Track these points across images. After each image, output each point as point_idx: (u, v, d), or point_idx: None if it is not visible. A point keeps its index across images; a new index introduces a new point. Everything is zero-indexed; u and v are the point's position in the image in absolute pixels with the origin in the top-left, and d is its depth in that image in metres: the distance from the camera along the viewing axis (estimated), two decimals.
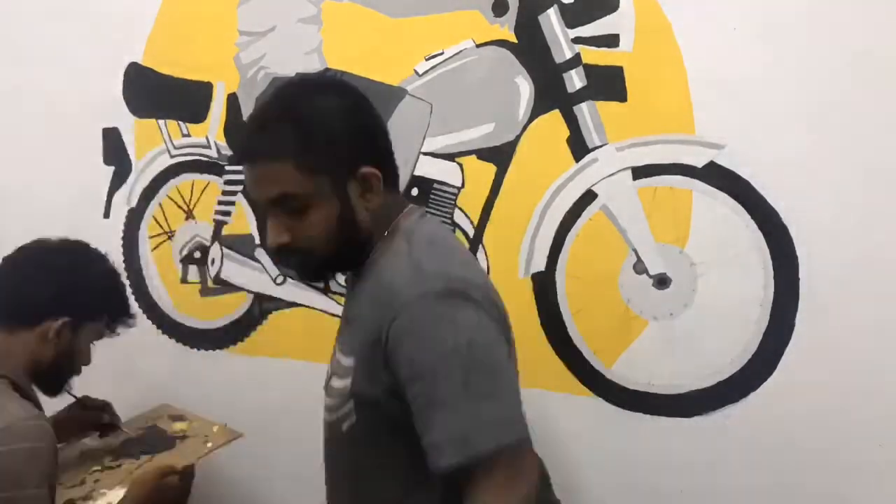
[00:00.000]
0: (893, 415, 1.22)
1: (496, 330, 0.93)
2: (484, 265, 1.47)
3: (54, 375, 1.34)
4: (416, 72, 1.48)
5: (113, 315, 1.38)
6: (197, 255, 1.72)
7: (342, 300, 1.59)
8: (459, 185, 1.47)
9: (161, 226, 1.75)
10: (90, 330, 1.35)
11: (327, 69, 1.55)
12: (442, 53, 1.46)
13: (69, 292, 1.31)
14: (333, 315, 1.60)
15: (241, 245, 1.67)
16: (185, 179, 1.72)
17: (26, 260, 1.32)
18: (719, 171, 1.29)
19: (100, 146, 1.78)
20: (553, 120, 1.39)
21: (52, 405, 1.40)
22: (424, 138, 1.48)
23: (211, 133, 1.66)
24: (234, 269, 1.68)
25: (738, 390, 1.31)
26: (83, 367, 1.38)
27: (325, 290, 1.60)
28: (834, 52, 1.22)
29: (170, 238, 1.75)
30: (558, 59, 1.37)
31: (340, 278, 1.58)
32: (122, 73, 1.73)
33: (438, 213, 1.49)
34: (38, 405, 1.29)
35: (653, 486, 1.37)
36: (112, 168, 1.78)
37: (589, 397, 1.41)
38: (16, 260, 1.32)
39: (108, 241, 1.78)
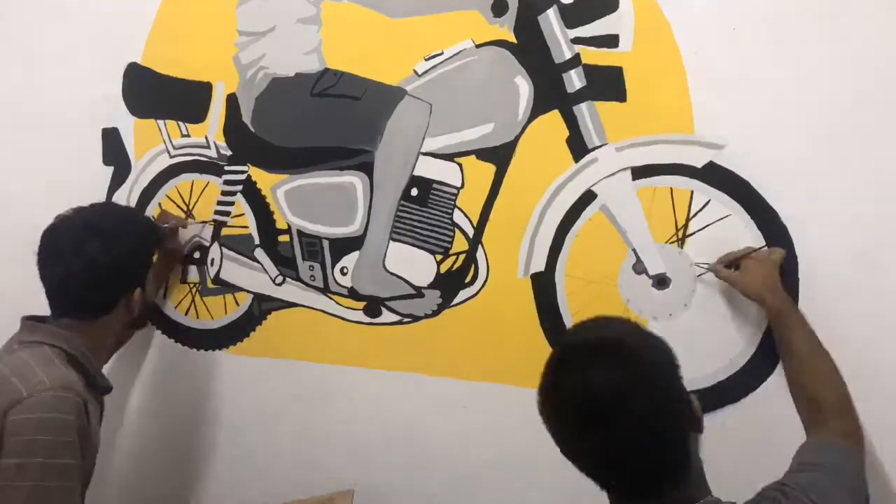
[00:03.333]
0: (893, 415, 1.22)
1: None
2: (483, 265, 1.47)
3: (140, 322, 1.63)
4: (415, 72, 1.48)
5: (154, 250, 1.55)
6: (196, 255, 1.72)
7: (342, 300, 1.59)
8: (459, 185, 1.47)
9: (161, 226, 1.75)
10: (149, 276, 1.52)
11: (327, 69, 1.54)
12: (441, 53, 1.46)
13: (131, 270, 1.45)
14: (333, 315, 1.61)
15: (240, 245, 1.67)
16: (184, 179, 1.71)
17: (77, 251, 1.37)
18: (719, 171, 1.29)
19: (99, 146, 1.78)
20: (553, 120, 1.39)
21: None
22: (424, 138, 1.48)
23: (210, 133, 1.66)
24: (234, 269, 1.68)
25: (738, 390, 1.31)
26: None
27: (325, 290, 1.60)
28: (834, 51, 1.22)
29: None
30: (558, 60, 1.37)
31: (340, 277, 1.58)
32: (122, 74, 1.73)
33: (438, 213, 1.49)
34: (90, 377, 1.38)
35: None
36: (112, 168, 1.78)
37: None
38: (68, 250, 1.38)
39: None
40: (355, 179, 1.54)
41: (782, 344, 1.24)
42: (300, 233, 1.61)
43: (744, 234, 1.29)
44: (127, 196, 1.76)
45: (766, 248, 1.27)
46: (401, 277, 1.53)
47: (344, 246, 1.57)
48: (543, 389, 0.96)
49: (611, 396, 0.88)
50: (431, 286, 1.51)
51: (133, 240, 1.44)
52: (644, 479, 0.91)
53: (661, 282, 1.36)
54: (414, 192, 1.50)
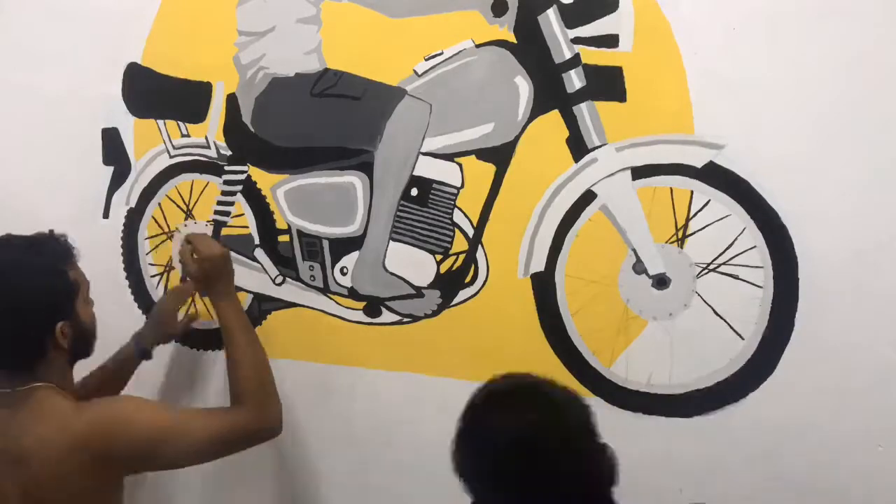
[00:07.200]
0: (893, 415, 1.22)
1: None
2: (483, 265, 1.47)
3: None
4: (415, 72, 1.48)
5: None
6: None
7: (342, 300, 1.59)
8: (459, 185, 1.47)
9: (161, 226, 1.75)
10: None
11: (327, 69, 1.55)
12: (441, 53, 1.46)
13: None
14: (333, 315, 1.61)
15: (240, 245, 1.67)
16: (184, 179, 1.72)
17: None
18: (719, 171, 1.29)
19: (99, 146, 1.78)
20: (552, 120, 1.39)
21: None
22: (424, 138, 1.48)
23: (210, 133, 1.66)
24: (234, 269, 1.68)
25: (738, 390, 1.31)
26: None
27: (325, 290, 1.60)
28: (834, 51, 1.22)
29: (169, 238, 1.75)
30: (558, 60, 1.37)
31: (340, 277, 1.58)
32: (122, 74, 1.73)
33: (438, 213, 1.49)
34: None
35: (653, 486, 1.37)
36: (111, 168, 1.78)
37: (588, 397, 1.40)
38: None
39: (107, 241, 1.78)
40: (355, 179, 1.54)
41: None
42: (300, 233, 1.61)
43: (744, 233, 1.29)
44: (127, 196, 1.77)
45: None
46: (401, 277, 1.53)
47: (344, 246, 1.57)
48: (474, 429, 1.07)
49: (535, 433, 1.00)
50: (431, 286, 1.51)
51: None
52: None
53: (661, 282, 1.36)
54: (414, 192, 1.50)
